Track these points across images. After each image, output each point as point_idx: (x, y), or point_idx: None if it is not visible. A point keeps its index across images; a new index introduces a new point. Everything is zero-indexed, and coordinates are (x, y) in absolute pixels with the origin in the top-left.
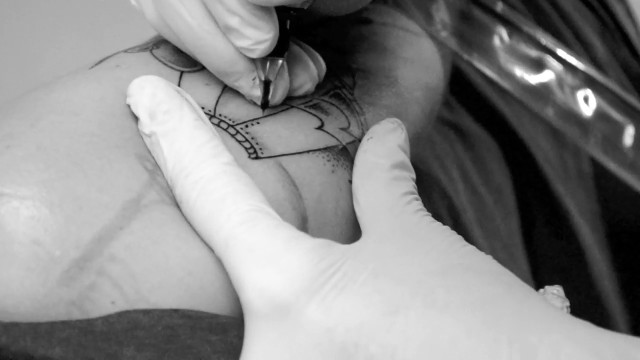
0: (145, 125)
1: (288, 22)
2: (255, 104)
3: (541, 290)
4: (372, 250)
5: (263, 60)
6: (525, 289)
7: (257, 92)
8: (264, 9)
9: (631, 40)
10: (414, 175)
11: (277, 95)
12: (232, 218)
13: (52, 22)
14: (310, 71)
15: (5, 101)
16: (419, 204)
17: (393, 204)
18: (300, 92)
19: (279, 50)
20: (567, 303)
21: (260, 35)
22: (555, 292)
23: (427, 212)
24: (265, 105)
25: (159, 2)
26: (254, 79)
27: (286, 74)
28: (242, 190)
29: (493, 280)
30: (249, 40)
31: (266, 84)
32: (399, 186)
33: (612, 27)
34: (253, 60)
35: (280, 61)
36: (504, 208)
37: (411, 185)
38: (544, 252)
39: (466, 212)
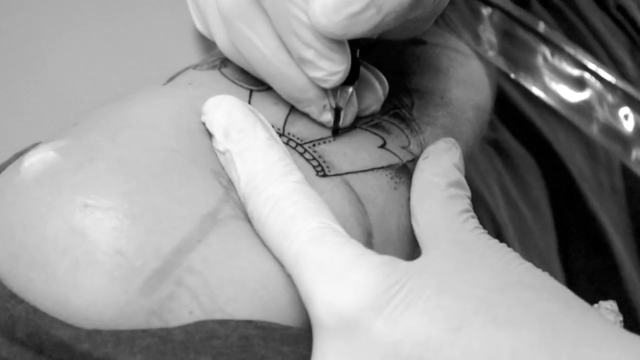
0: (220, 143)
1: (358, 51)
2: (322, 124)
3: (595, 305)
4: (434, 267)
5: (334, 88)
6: (582, 305)
7: (327, 118)
8: (338, 41)
9: None
10: (469, 194)
11: (347, 120)
12: (301, 235)
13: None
14: (376, 93)
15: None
16: (475, 222)
17: (451, 222)
18: (367, 112)
19: (350, 79)
20: (620, 317)
21: (333, 67)
22: (609, 307)
23: (483, 230)
24: (336, 131)
25: (232, 31)
26: (324, 106)
27: (355, 99)
28: (311, 207)
29: (551, 296)
30: (323, 71)
31: (337, 112)
32: (456, 204)
33: None
34: (324, 88)
35: (350, 89)
36: (541, 223)
37: (467, 203)
38: (579, 267)
39: (507, 226)
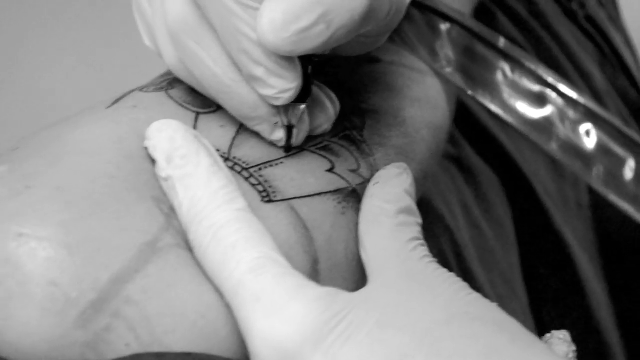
0: (162, 169)
1: (310, 68)
2: (269, 145)
3: (547, 335)
4: (377, 299)
5: (286, 105)
6: (530, 338)
7: (278, 136)
8: (289, 58)
9: (630, 70)
10: (420, 220)
11: (299, 138)
12: (241, 265)
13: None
14: (327, 112)
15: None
16: (424, 250)
17: (399, 250)
18: (318, 132)
19: (302, 96)
20: (574, 348)
21: (284, 85)
22: (561, 337)
23: (432, 259)
24: (288, 149)
25: (181, 48)
26: (275, 123)
27: (306, 117)
28: (252, 237)
29: (498, 329)
30: (274, 89)
31: (289, 129)
32: (405, 232)
33: (611, 56)
34: (275, 105)
35: (302, 107)
36: (504, 241)
37: (417, 231)
38: (543, 285)
39: (467, 247)
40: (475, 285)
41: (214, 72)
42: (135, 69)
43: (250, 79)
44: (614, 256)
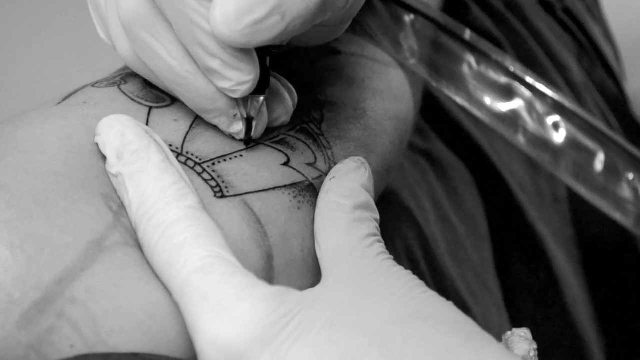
0: (112, 166)
1: (268, 59)
2: (223, 139)
3: (508, 332)
4: (329, 297)
5: (244, 97)
6: (484, 337)
7: (237, 128)
8: (245, 50)
9: (608, 62)
10: (377, 216)
11: (258, 130)
12: (188, 264)
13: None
14: (285, 104)
15: None
16: (380, 247)
17: (354, 247)
18: (277, 123)
19: (260, 88)
20: (535, 346)
21: (241, 77)
22: (522, 335)
23: (388, 255)
24: (248, 141)
25: (135, 41)
26: (234, 116)
27: (265, 109)
28: (201, 235)
29: (451, 329)
30: (230, 81)
31: (248, 121)
32: (361, 228)
33: (589, 49)
34: (234, 98)
35: (261, 98)
36: (476, 236)
37: (373, 227)
38: (517, 280)
39: (437, 241)
40: (445, 279)
41: (169, 65)
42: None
43: (207, 72)
44: (591, 250)
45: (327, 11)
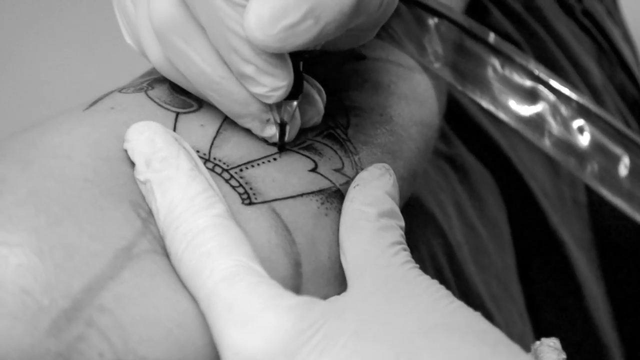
0: (141, 172)
1: (301, 64)
2: (250, 144)
3: (537, 342)
4: (355, 308)
5: (278, 102)
6: (512, 349)
7: (269, 132)
8: (279, 55)
9: (628, 64)
10: (402, 223)
11: (291, 134)
12: (214, 274)
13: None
14: (317, 105)
15: None
16: (406, 255)
17: (379, 256)
18: (309, 125)
19: (294, 93)
20: (564, 356)
21: (276, 83)
22: (551, 345)
23: (414, 264)
24: (282, 147)
25: (167, 46)
26: (267, 120)
27: (298, 114)
28: (228, 244)
29: (478, 340)
30: (264, 87)
31: (282, 127)
32: (386, 236)
33: (608, 51)
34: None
35: (294, 103)
36: (499, 242)
37: (399, 235)
38: (540, 286)
39: (461, 247)
40: (469, 286)
41: (202, 70)
42: (137, 60)
43: (241, 77)
44: (611, 255)
45: (360, 15)
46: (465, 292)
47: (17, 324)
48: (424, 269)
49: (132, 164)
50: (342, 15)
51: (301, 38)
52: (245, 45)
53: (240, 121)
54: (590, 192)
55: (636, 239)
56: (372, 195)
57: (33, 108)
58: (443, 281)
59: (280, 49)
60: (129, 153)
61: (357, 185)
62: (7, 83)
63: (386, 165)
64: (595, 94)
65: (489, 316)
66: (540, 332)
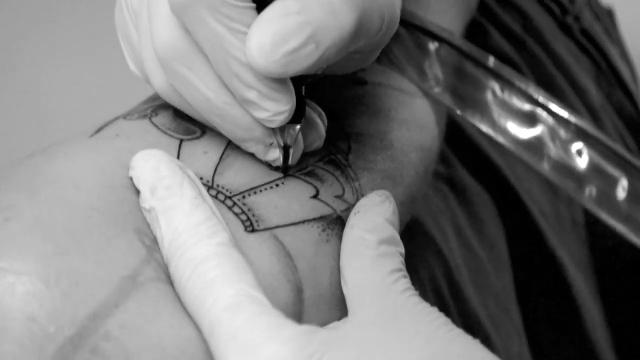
0: (146, 200)
1: (303, 88)
2: (253, 170)
3: None
4: (355, 337)
5: (281, 126)
6: None
7: (272, 156)
8: (281, 80)
9: (626, 83)
10: (402, 250)
11: (294, 158)
12: (217, 303)
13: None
14: (318, 128)
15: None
16: (406, 282)
17: (379, 283)
18: (311, 149)
19: (296, 117)
20: None
21: (278, 107)
22: None
23: (414, 291)
24: (285, 170)
25: (171, 74)
26: (270, 144)
27: (301, 137)
28: (231, 273)
29: None
30: (267, 112)
31: (286, 150)
32: (386, 263)
33: (607, 70)
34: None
35: (297, 127)
36: (497, 262)
37: (399, 262)
38: (538, 307)
39: (459, 269)
40: (467, 307)
41: (206, 96)
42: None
43: (244, 103)
44: (609, 276)
45: (361, 38)
46: (463, 313)
47: (24, 350)
48: (423, 290)
49: (137, 192)
50: (342, 40)
51: (303, 63)
52: (247, 71)
53: (243, 145)
54: (588, 212)
55: (634, 259)
56: (373, 222)
57: (36, 118)
58: (442, 302)
59: (282, 74)
60: (134, 181)
61: (358, 212)
62: (10, 93)
63: (386, 192)
64: (593, 114)
65: (487, 337)
66: (538, 352)
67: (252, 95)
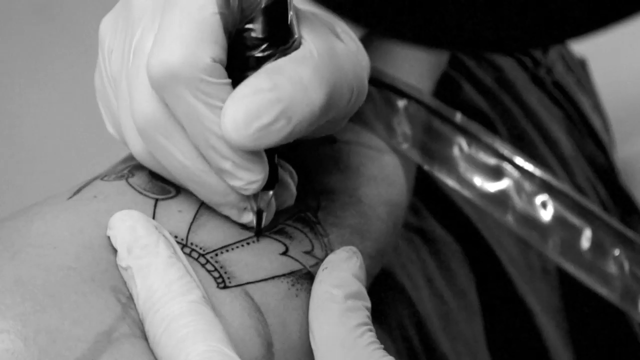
0: (123, 259)
1: (276, 157)
2: (225, 229)
3: None
4: None
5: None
6: None
7: (246, 219)
8: (255, 152)
9: (597, 133)
10: (368, 304)
11: (267, 220)
12: (189, 358)
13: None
14: (289, 188)
15: None
16: (371, 336)
17: (345, 337)
18: (282, 207)
19: (269, 183)
20: None
21: (252, 177)
22: None
23: (379, 345)
24: (259, 232)
25: (150, 143)
26: (245, 208)
27: (273, 201)
28: (203, 329)
29: None
30: (241, 181)
31: (259, 215)
32: (352, 317)
33: (578, 122)
34: None
35: (270, 193)
36: (468, 311)
37: (365, 316)
38: (508, 354)
39: (430, 318)
40: (438, 355)
41: (183, 164)
42: None
43: (219, 172)
44: (580, 322)
45: (331, 111)
46: None
47: None
48: (394, 339)
49: (114, 251)
50: (312, 115)
51: (274, 137)
52: (222, 144)
53: (219, 209)
54: None
55: (603, 306)
56: (340, 277)
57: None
58: (412, 352)
59: (255, 147)
60: (112, 240)
61: (326, 268)
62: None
63: (353, 248)
64: (564, 164)
65: None
66: None
67: (227, 165)
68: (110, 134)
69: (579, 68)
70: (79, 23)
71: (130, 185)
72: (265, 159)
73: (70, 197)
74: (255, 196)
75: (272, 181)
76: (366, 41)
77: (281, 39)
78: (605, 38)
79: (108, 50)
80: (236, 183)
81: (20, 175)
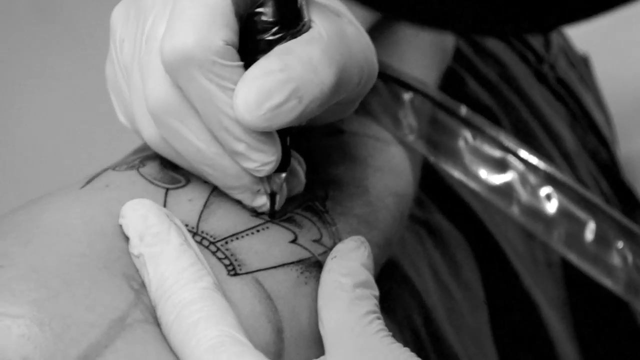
0: (135, 247)
1: (288, 139)
2: (235, 216)
3: None
4: None
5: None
6: None
7: (259, 202)
8: (267, 133)
9: (600, 129)
10: (376, 293)
11: (280, 203)
12: (201, 344)
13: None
14: (299, 175)
15: None
16: (380, 324)
17: (354, 325)
18: (292, 194)
19: (282, 166)
20: None
21: (265, 158)
22: None
23: (387, 332)
24: (272, 215)
25: (163, 127)
26: (257, 191)
27: (285, 185)
28: (214, 315)
29: None
30: (255, 162)
31: (272, 196)
32: (361, 305)
33: (581, 117)
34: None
35: (283, 176)
36: (473, 303)
37: (373, 304)
38: (514, 346)
39: (436, 309)
40: (445, 346)
41: (197, 148)
42: None
43: (233, 154)
44: (584, 314)
45: (340, 92)
46: (441, 351)
47: None
48: (401, 330)
49: (126, 239)
50: (323, 95)
51: (286, 117)
52: (236, 125)
53: (232, 192)
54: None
55: (607, 298)
56: (349, 266)
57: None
58: (419, 342)
59: (267, 128)
60: (124, 228)
61: (335, 257)
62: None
63: (362, 237)
64: (567, 159)
65: None
66: None
67: (240, 147)
68: (110, 132)
69: (582, 64)
70: (79, 23)
71: (141, 175)
72: (278, 140)
73: (82, 187)
74: (268, 179)
75: (285, 164)
76: (372, 34)
77: (291, 23)
78: (607, 35)
79: (120, 40)
80: (250, 165)
81: (20, 175)
